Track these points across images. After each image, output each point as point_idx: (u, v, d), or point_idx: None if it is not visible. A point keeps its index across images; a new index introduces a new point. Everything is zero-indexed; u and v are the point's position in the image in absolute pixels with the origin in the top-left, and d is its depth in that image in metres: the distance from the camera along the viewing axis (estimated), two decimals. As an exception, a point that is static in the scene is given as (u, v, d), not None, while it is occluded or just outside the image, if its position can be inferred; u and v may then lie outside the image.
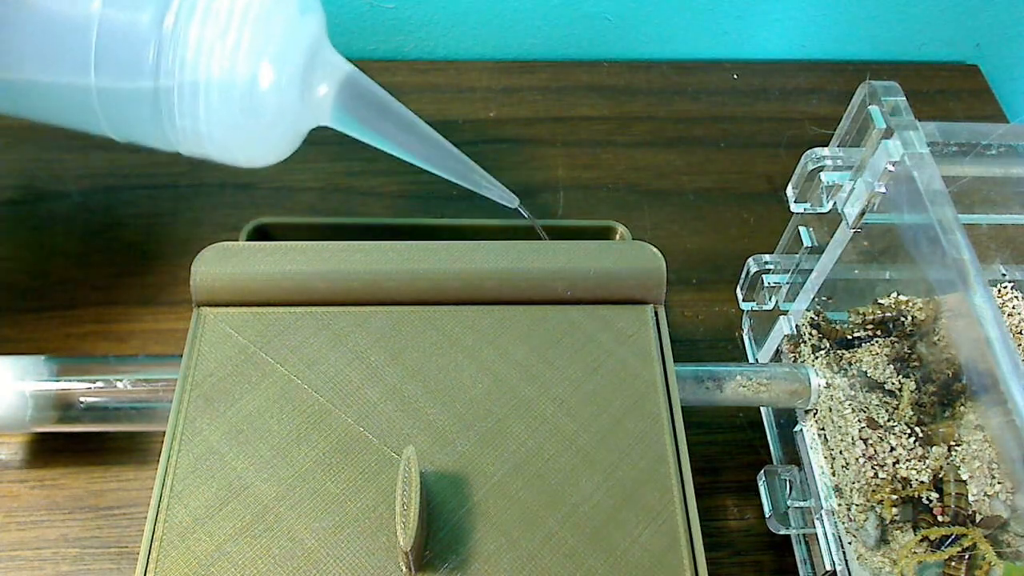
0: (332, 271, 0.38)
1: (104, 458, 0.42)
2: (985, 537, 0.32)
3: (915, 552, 0.34)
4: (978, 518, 0.33)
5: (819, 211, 0.37)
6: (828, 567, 0.36)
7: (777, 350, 0.43)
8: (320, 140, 0.56)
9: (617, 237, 0.44)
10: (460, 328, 0.37)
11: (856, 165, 0.35)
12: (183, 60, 0.35)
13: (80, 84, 0.36)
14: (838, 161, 0.36)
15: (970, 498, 0.33)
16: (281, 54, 0.37)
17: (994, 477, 0.34)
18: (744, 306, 0.44)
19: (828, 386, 0.38)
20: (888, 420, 0.36)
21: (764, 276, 0.43)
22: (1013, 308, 0.40)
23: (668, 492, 0.34)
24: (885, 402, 0.37)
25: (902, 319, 0.37)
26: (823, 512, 0.37)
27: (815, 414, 0.39)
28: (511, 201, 0.43)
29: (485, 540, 0.32)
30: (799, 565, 0.39)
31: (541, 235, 0.43)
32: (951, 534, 0.33)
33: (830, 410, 0.38)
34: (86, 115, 0.38)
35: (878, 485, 0.35)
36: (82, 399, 0.37)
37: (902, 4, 0.62)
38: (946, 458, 0.35)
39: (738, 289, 0.45)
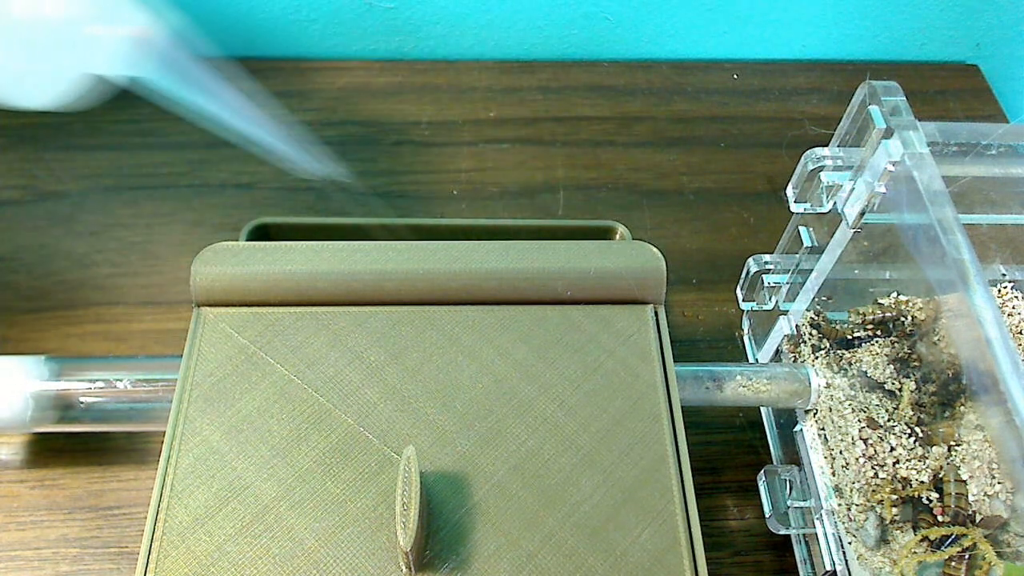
0: (332, 271, 0.38)
1: (104, 458, 0.42)
2: (985, 537, 0.32)
3: (915, 552, 0.34)
4: (978, 518, 0.33)
5: (819, 211, 0.37)
6: (828, 567, 0.36)
7: (777, 350, 0.43)
8: (320, 140, 0.56)
9: (617, 237, 0.44)
10: (460, 328, 0.37)
11: (856, 165, 0.35)
12: None
13: None
14: (838, 161, 0.36)
15: (970, 498, 0.33)
16: None
17: (994, 477, 0.34)
18: (744, 306, 0.44)
19: (828, 386, 0.38)
20: (888, 420, 0.36)
21: (764, 276, 0.43)
22: (1013, 308, 0.40)
23: (668, 492, 0.34)
24: (885, 402, 0.37)
25: (902, 319, 0.37)
26: (823, 512, 0.37)
27: (815, 414, 0.39)
28: (319, 170, 0.39)
29: (485, 540, 0.32)
30: (799, 565, 0.39)
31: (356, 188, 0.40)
32: (951, 534, 0.33)
33: (830, 410, 0.38)
34: None
35: (878, 485, 0.35)
36: (82, 399, 0.37)
37: (902, 4, 0.62)
38: (946, 458, 0.35)
39: (738, 289, 0.45)
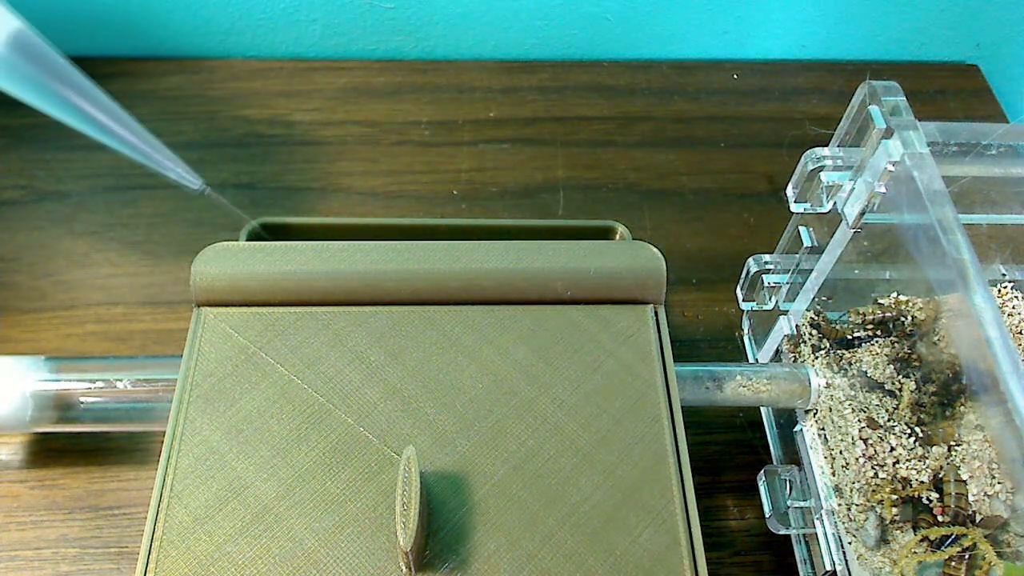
0: (332, 271, 0.38)
1: (104, 458, 0.42)
2: (985, 537, 0.32)
3: (915, 552, 0.34)
4: (978, 518, 0.33)
5: (819, 211, 0.37)
6: (828, 567, 0.36)
7: (777, 350, 0.43)
8: (319, 140, 0.56)
9: (617, 237, 0.44)
10: (460, 328, 0.37)
11: (856, 165, 0.35)
12: None
13: None
14: (838, 161, 0.36)
15: (970, 498, 0.33)
16: None
17: (994, 477, 0.33)
18: (744, 306, 0.44)
19: (828, 386, 0.38)
20: (888, 420, 0.36)
21: (764, 276, 0.43)
22: (1013, 308, 0.40)
23: (668, 492, 0.34)
24: (885, 402, 0.37)
25: (902, 319, 0.37)
26: (823, 512, 0.37)
27: (815, 414, 0.39)
28: (194, 183, 0.40)
29: (485, 540, 0.32)
30: (799, 565, 0.39)
31: (239, 214, 0.42)
32: (951, 534, 0.33)
33: (830, 410, 0.38)
34: None
35: (878, 485, 0.35)
36: (82, 399, 0.37)
37: (902, 4, 0.62)
38: (946, 458, 0.35)
39: (738, 289, 0.45)
